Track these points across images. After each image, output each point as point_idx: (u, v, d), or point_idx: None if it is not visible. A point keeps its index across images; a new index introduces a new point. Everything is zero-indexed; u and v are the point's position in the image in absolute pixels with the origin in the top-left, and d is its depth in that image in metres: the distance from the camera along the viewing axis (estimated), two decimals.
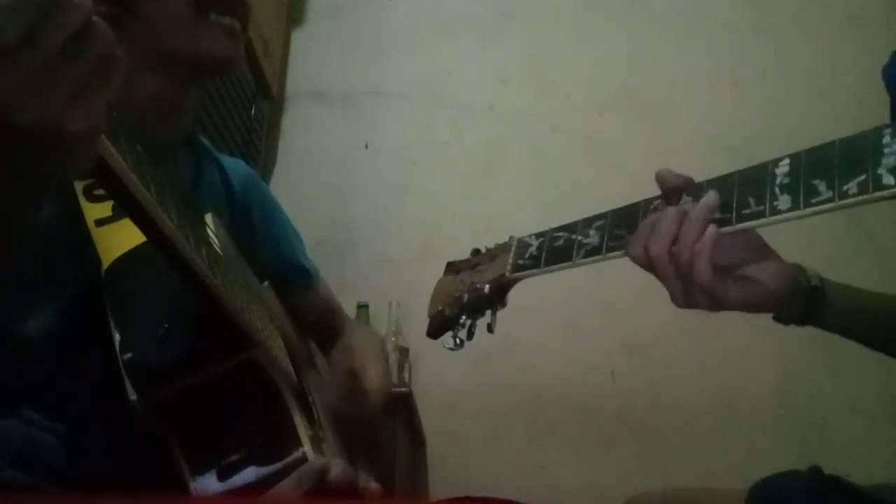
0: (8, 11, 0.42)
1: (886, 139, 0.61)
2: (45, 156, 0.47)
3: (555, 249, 0.78)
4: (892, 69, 0.90)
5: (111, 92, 0.48)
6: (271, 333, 0.87)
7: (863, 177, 0.60)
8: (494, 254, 0.87)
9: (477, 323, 0.85)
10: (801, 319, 0.79)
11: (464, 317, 0.84)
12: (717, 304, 0.72)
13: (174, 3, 0.87)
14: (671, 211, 0.70)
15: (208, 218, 0.87)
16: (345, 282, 2.32)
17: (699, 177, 0.74)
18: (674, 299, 0.72)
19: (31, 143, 0.45)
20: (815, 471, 0.89)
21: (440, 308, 0.87)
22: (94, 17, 0.46)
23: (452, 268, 0.93)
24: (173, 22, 0.88)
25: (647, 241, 0.70)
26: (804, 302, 0.77)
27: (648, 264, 0.71)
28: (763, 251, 0.76)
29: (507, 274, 0.81)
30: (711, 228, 0.68)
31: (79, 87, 0.46)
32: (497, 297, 0.83)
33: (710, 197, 0.69)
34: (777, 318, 0.80)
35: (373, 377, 1.01)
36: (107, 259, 0.79)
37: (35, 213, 0.59)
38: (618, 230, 0.74)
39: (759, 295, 0.74)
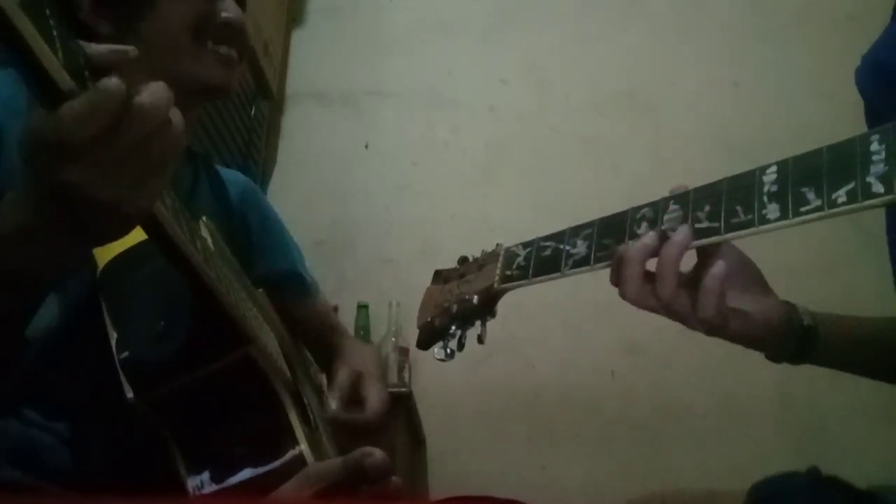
0: (85, 114, 0.49)
1: (874, 146, 0.60)
2: (103, 226, 0.56)
3: (543, 260, 0.77)
4: (864, 73, 0.89)
5: (167, 180, 0.57)
6: (266, 332, 0.87)
7: (852, 185, 0.59)
8: (482, 263, 0.86)
9: (467, 333, 0.84)
10: (794, 358, 0.79)
11: (453, 327, 0.83)
12: (715, 332, 0.72)
13: (174, 28, 0.90)
14: (632, 251, 0.69)
15: (203, 220, 0.88)
16: (345, 282, 2.32)
17: (699, 178, 0.74)
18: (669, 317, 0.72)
19: (94, 218, 0.54)
20: (814, 472, 0.89)
21: (429, 318, 0.86)
22: (170, 116, 0.53)
23: (440, 276, 0.92)
24: (172, 46, 0.90)
25: (619, 281, 0.70)
26: (797, 341, 0.77)
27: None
28: (764, 287, 0.76)
29: (496, 285, 0.80)
30: (720, 265, 0.68)
31: (145, 174, 0.54)
32: (486, 308, 0.83)
33: (681, 234, 0.68)
34: (770, 357, 0.80)
35: (372, 392, 1.01)
36: (102, 260, 0.79)
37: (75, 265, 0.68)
38: (605, 240, 0.73)
39: (760, 328, 0.74)
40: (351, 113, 2.60)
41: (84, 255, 0.71)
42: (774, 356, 0.80)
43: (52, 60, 0.47)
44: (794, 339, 0.77)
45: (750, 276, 0.77)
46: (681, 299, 0.69)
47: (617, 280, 0.71)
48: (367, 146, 2.57)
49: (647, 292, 0.70)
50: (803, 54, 2.54)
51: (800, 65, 2.52)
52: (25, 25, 0.45)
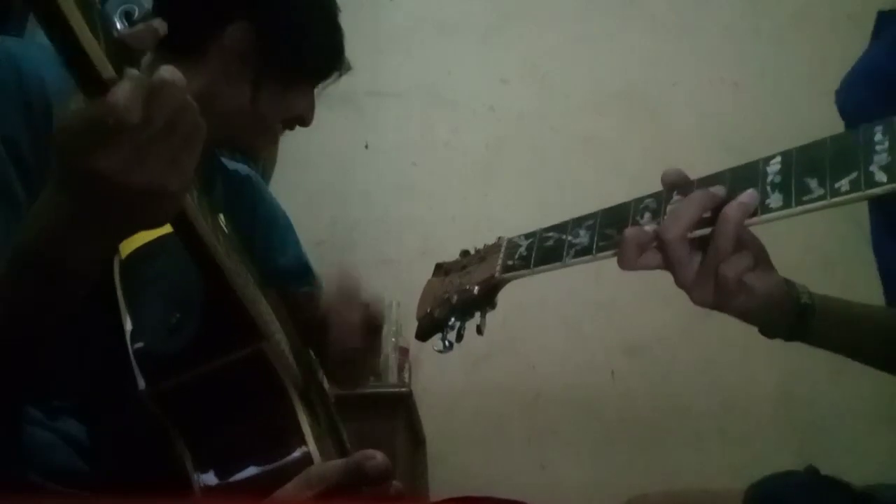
0: (133, 94, 0.51)
1: (878, 136, 0.61)
2: (146, 210, 0.58)
3: (545, 250, 0.77)
4: (845, 95, 0.89)
5: (197, 154, 0.58)
6: (278, 330, 0.88)
7: (855, 174, 0.60)
8: (484, 255, 0.86)
9: (466, 325, 0.84)
10: (788, 335, 0.79)
11: (453, 318, 0.82)
12: (722, 301, 0.71)
13: (279, 113, 1.00)
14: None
15: (221, 215, 0.88)
16: None
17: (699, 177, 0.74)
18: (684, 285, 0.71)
19: (138, 202, 0.56)
20: (812, 471, 0.89)
21: (428, 310, 0.86)
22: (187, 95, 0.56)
23: (441, 269, 0.92)
24: (263, 122, 0.99)
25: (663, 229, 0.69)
26: (794, 317, 0.77)
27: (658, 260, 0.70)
28: (767, 261, 0.76)
29: (497, 275, 0.80)
30: (748, 256, 0.68)
31: (174, 154, 0.55)
32: (486, 299, 0.82)
33: (720, 189, 0.68)
34: (763, 332, 0.80)
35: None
36: (125, 251, 0.79)
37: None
38: (608, 230, 0.73)
39: (761, 301, 0.74)
40: (351, 113, 2.60)
41: (119, 244, 0.72)
42: (770, 331, 0.79)
43: (95, 49, 0.48)
44: (791, 314, 0.77)
45: (758, 248, 0.76)
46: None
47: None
48: (367, 146, 2.57)
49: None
50: (803, 54, 2.54)
51: (800, 65, 2.52)
52: (73, 14, 0.46)
